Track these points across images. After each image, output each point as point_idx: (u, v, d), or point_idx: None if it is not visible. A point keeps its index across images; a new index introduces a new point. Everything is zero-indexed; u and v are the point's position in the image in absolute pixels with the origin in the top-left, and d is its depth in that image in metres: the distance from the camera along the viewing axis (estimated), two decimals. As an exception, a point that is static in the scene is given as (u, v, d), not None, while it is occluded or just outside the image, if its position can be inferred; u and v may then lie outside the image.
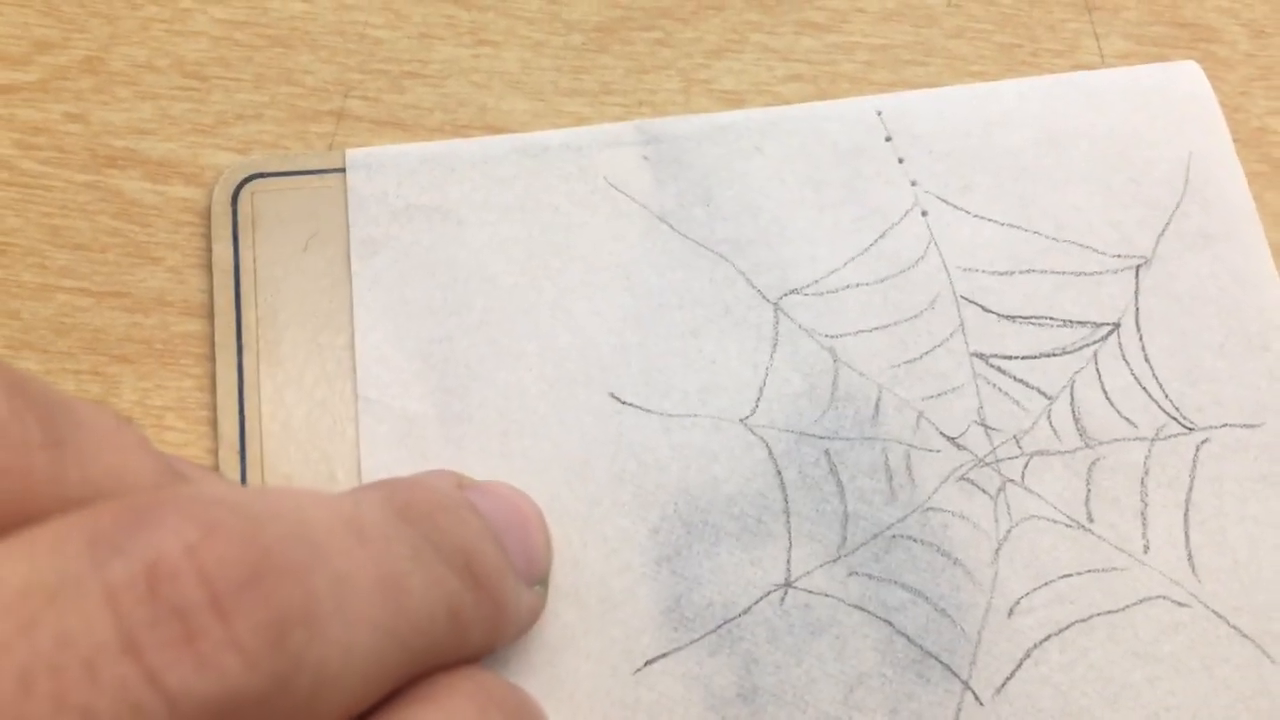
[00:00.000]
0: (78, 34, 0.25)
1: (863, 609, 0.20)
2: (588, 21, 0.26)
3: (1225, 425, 0.22)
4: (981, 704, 0.20)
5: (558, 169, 0.23)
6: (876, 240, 0.23)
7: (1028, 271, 0.23)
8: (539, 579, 0.19)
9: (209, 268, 0.22)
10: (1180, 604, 0.21)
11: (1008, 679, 0.20)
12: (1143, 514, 0.21)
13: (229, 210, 0.22)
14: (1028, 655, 0.20)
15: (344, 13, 0.25)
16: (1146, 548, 0.21)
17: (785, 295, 0.23)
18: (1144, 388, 0.22)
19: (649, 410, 0.21)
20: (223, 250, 0.22)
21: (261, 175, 0.23)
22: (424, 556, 0.15)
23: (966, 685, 0.20)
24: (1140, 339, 0.23)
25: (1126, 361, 0.23)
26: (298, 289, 0.22)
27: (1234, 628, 0.21)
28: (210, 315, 0.22)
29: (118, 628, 0.11)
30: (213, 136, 0.24)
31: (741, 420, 0.22)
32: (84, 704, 0.11)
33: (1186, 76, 0.25)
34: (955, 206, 0.24)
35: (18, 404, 0.13)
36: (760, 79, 0.25)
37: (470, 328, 0.22)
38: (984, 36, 0.26)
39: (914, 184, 0.24)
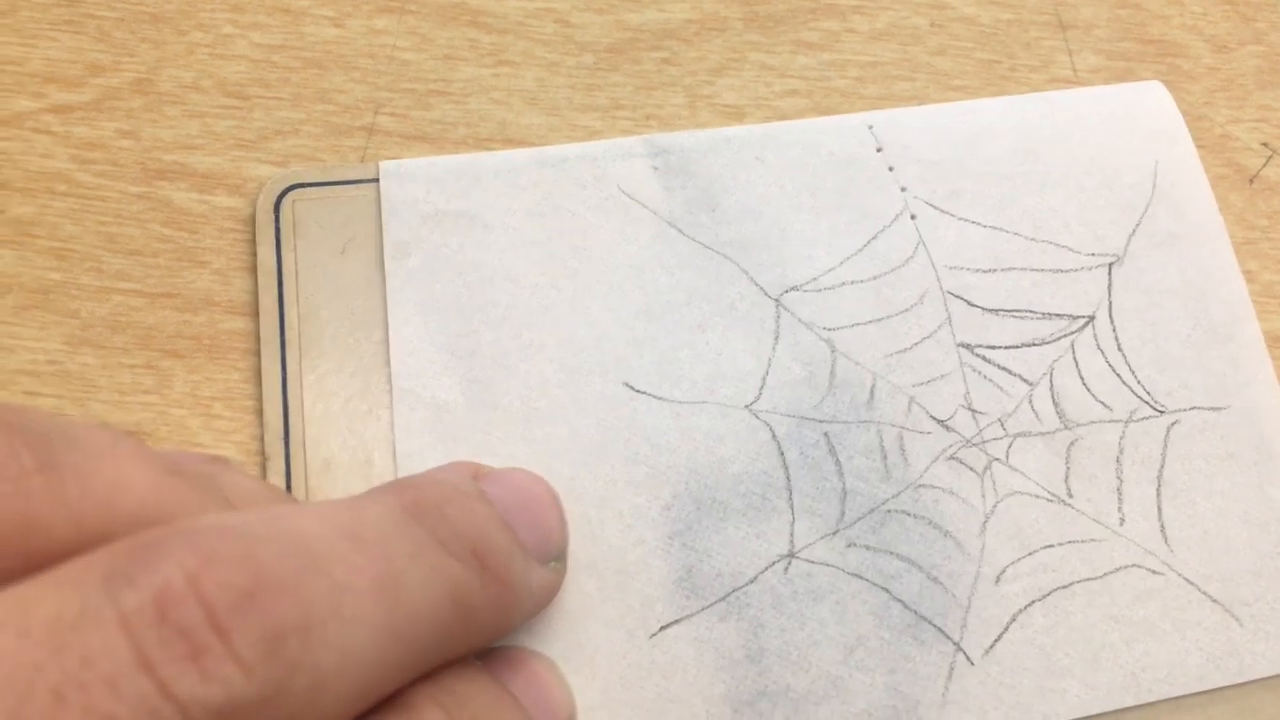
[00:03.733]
0: (128, 58, 0.27)
1: (861, 577, 0.22)
2: (599, 43, 0.28)
3: (1193, 408, 0.24)
4: (972, 663, 0.22)
5: (574, 178, 0.25)
6: (869, 241, 0.25)
7: (1009, 269, 0.25)
8: (553, 556, 0.20)
9: (252, 270, 0.24)
10: (1154, 572, 0.23)
11: (996, 640, 0.22)
12: (1118, 490, 0.23)
13: (272, 218, 0.24)
14: (1014, 619, 0.22)
15: (374, 36, 0.27)
16: (1122, 520, 0.23)
17: (786, 292, 0.24)
18: (1118, 374, 0.24)
19: (660, 398, 0.23)
20: (267, 254, 0.24)
21: (302, 185, 0.24)
22: (425, 550, 0.17)
23: (958, 646, 0.22)
24: (1114, 330, 0.25)
25: (1101, 351, 0.24)
26: (336, 289, 0.24)
27: (1204, 594, 0.22)
28: (254, 314, 0.24)
29: (133, 649, 0.13)
30: (254, 151, 0.26)
31: (746, 406, 0.23)
32: (109, 712, 0.12)
33: (1152, 94, 0.27)
34: (942, 210, 0.25)
35: (12, 440, 0.14)
36: (759, 94, 0.27)
37: (495, 323, 0.24)
38: (965, 54, 0.28)
39: (903, 190, 0.26)
